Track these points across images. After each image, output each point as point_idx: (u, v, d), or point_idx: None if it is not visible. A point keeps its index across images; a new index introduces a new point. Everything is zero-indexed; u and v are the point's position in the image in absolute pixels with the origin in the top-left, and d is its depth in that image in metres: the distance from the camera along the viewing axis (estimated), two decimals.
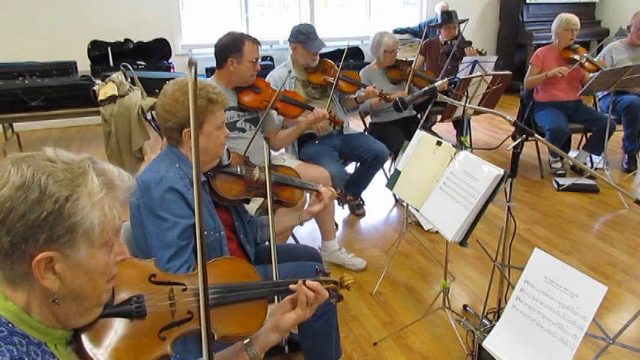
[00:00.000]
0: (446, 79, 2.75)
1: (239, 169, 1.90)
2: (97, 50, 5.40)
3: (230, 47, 2.61)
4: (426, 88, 2.26)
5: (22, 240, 0.78)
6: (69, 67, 3.98)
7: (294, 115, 2.98)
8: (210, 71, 5.85)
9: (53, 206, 0.79)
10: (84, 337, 0.91)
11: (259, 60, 2.71)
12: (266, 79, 3.01)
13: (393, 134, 3.75)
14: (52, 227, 0.79)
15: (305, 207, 2.17)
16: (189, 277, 1.13)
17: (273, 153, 3.07)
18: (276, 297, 1.47)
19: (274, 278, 1.71)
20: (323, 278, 1.36)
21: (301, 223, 2.12)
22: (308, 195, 2.18)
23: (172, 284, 1.09)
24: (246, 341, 1.21)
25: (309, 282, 1.28)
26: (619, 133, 4.40)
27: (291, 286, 1.28)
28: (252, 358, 1.20)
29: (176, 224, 1.56)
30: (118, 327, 0.96)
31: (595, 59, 4.21)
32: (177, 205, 1.57)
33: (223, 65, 2.65)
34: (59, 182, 0.80)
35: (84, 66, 4.94)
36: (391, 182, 2.31)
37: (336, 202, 2.75)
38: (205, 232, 1.66)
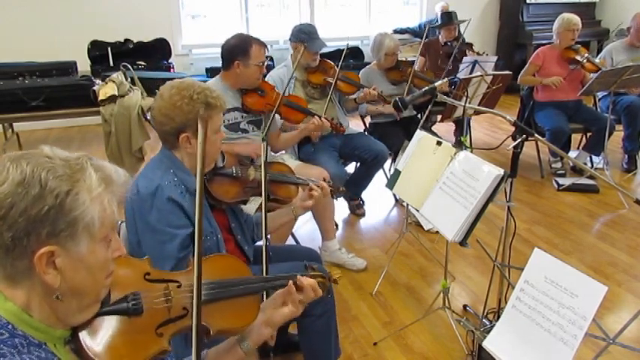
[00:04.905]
0: (446, 79, 2.75)
1: (234, 171, 1.88)
2: (97, 50, 5.40)
3: (237, 49, 2.60)
4: (426, 88, 2.26)
5: (24, 235, 0.79)
6: (69, 67, 3.98)
7: (297, 121, 2.99)
8: (210, 71, 5.84)
9: (54, 201, 0.80)
10: (82, 336, 0.92)
11: (266, 63, 2.70)
12: (265, 79, 3.01)
13: (393, 134, 3.75)
14: (53, 221, 0.80)
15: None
16: (183, 275, 1.15)
17: (272, 154, 3.07)
18: (264, 293, 1.47)
19: (264, 274, 1.70)
20: (312, 274, 1.38)
21: (295, 218, 2.10)
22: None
23: (167, 281, 1.10)
24: (238, 336, 1.23)
25: (301, 279, 1.30)
26: (619, 133, 4.40)
27: (285, 282, 1.29)
28: (245, 352, 1.22)
29: (174, 236, 1.55)
30: (115, 325, 0.96)
31: (596, 59, 4.21)
32: (175, 216, 1.56)
33: (230, 67, 2.64)
34: (59, 177, 0.81)
35: (84, 66, 4.94)
36: (391, 182, 2.31)
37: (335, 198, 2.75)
38: (202, 238, 1.65)
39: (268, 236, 2.11)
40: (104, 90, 3.67)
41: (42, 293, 0.84)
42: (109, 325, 0.96)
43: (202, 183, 0.96)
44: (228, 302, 1.18)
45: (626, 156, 4.46)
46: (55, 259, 0.82)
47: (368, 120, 4.02)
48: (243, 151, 2.59)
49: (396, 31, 6.98)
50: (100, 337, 0.93)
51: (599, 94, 4.52)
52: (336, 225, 3.43)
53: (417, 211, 2.11)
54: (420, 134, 2.26)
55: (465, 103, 2.37)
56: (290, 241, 3.00)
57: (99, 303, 0.94)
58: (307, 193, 2.01)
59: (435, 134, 2.39)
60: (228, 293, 1.19)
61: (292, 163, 2.96)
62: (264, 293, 1.46)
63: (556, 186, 4.09)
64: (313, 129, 2.91)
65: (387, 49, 3.72)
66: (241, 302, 1.20)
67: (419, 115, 4.09)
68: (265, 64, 2.70)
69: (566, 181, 4.09)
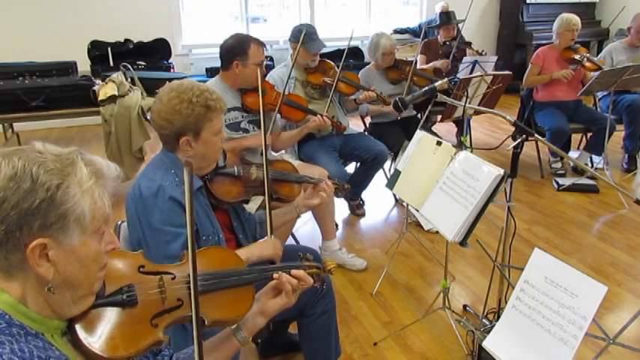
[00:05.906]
0: (446, 79, 2.75)
1: (236, 170, 1.88)
2: (97, 50, 5.41)
3: (236, 49, 2.59)
4: (426, 88, 2.26)
5: (17, 228, 0.81)
6: (69, 67, 3.99)
7: (297, 119, 2.99)
8: (210, 71, 5.84)
9: (45, 194, 0.82)
10: (78, 328, 0.93)
11: (264, 62, 2.71)
12: (266, 79, 3.01)
13: (393, 134, 3.75)
14: (45, 214, 0.82)
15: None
16: (178, 267, 1.16)
17: (273, 153, 3.07)
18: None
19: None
20: (306, 263, 1.39)
21: (299, 216, 2.10)
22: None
23: (161, 274, 1.12)
24: (233, 327, 1.24)
25: (293, 270, 1.31)
26: (619, 133, 4.40)
27: (275, 275, 1.29)
28: (240, 342, 1.24)
29: (177, 235, 1.55)
30: (110, 316, 0.98)
31: (595, 59, 4.21)
32: (176, 215, 1.56)
33: (229, 67, 2.64)
34: (50, 172, 0.83)
35: (84, 66, 4.94)
36: (391, 182, 2.31)
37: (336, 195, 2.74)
38: (204, 237, 1.65)
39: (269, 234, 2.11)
40: (104, 90, 3.68)
41: (37, 285, 0.86)
42: (104, 317, 0.97)
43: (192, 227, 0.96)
44: (223, 293, 1.19)
45: (627, 156, 4.46)
46: (48, 252, 0.84)
47: (368, 120, 4.02)
48: (253, 144, 2.61)
49: (396, 31, 6.98)
50: (95, 329, 0.95)
51: (599, 94, 4.53)
52: (336, 225, 3.43)
53: (417, 211, 2.11)
54: (420, 134, 2.26)
55: (465, 103, 2.36)
56: (290, 241, 3.00)
57: (93, 295, 0.95)
58: (313, 192, 2.01)
59: (435, 134, 2.39)
60: (223, 284, 1.20)
61: (292, 162, 2.96)
62: None
63: (556, 186, 4.09)
64: (314, 127, 2.92)
65: (384, 49, 3.72)
66: (235, 293, 1.21)
67: (419, 115, 4.10)
68: (264, 63, 2.70)
69: (566, 181, 4.09)
